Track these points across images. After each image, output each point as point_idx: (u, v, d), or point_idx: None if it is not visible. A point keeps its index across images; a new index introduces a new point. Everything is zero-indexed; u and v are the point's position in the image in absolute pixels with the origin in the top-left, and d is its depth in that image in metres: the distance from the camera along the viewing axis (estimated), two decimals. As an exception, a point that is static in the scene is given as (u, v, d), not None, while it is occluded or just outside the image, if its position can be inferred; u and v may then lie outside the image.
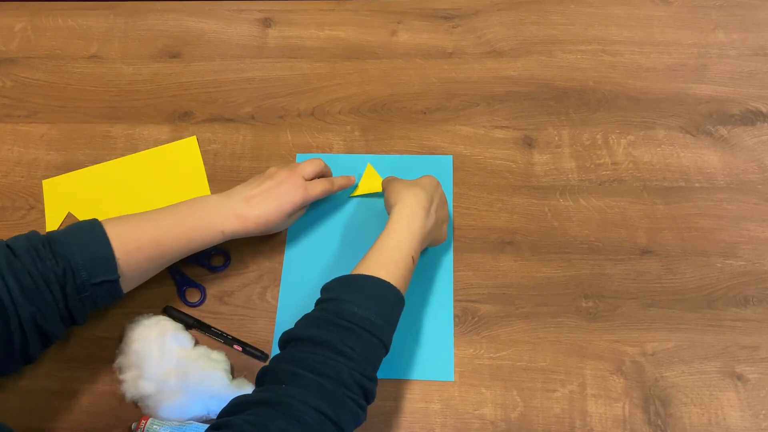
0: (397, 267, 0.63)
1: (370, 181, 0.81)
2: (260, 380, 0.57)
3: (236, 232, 0.70)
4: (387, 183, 0.75)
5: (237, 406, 0.54)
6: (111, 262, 0.62)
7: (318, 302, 0.62)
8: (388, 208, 0.70)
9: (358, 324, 0.58)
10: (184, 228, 0.68)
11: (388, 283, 0.61)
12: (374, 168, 0.82)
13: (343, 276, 0.62)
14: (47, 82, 0.92)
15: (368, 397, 0.57)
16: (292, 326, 0.60)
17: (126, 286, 0.65)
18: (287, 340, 0.59)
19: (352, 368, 0.56)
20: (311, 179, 0.75)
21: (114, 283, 0.62)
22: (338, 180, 0.78)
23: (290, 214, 0.73)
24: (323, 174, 0.78)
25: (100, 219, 0.64)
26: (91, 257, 0.61)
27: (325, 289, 0.62)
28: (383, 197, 0.76)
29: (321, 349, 0.56)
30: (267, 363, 0.58)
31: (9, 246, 0.60)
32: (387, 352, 0.61)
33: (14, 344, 0.58)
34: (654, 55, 0.91)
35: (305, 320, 0.60)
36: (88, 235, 0.62)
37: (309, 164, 0.76)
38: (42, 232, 0.62)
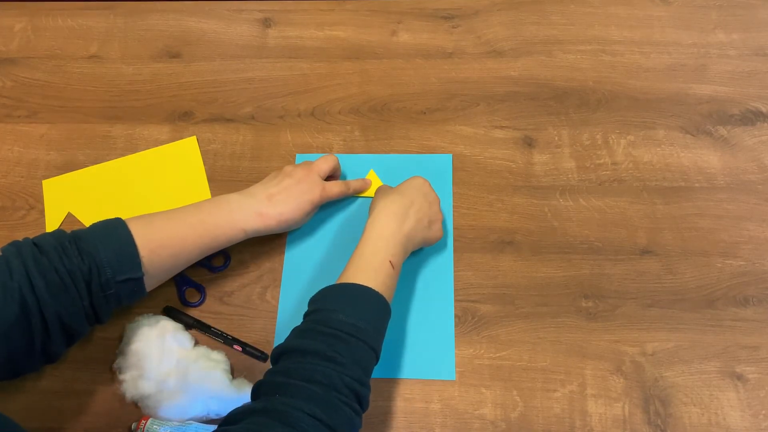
0: (375, 272, 0.64)
1: (371, 186, 0.81)
2: (255, 394, 0.58)
3: (258, 230, 0.71)
4: (375, 192, 0.75)
5: (234, 417, 0.54)
6: (135, 260, 0.62)
7: (305, 315, 0.63)
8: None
9: (344, 330, 0.59)
10: (207, 226, 0.68)
11: (370, 288, 0.62)
12: (375, 168, 0.82)
13: (327, 286, 0.64)
14: (47, 82, 0.92)
15: (362, 401, 0.58)
16: (286, 336, 0.61)
17: (149, 284, 0.66)
18: (278, 354, 0.60)
19: (342, 372, 0.56)
20: (326, 176, 0.77)
21: (138, 280, 0.63)
22: (354, 183, 0.79)
23: (308, 213, 0.74)
24: (336, 171, 0.79)
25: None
26: (116, 255, 0.61)
27: (311, 301, 0.64)
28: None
29: (311, 357, 0.57)
30: (262, 377, 0.59)
31: (36, 244, 0.60)
32: (377, 357, 0.62)
33: (35, 343, 0.59)
34: (654, 55, 0.91)
35: (294, 333, 0.61)
36: (113, 233, 0.63)
37: (324, 162, 0.77)
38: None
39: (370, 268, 0.65)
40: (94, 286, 0.61)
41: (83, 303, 0.60)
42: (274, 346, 0.72)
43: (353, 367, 0.57)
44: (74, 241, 0.61)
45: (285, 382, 0.56)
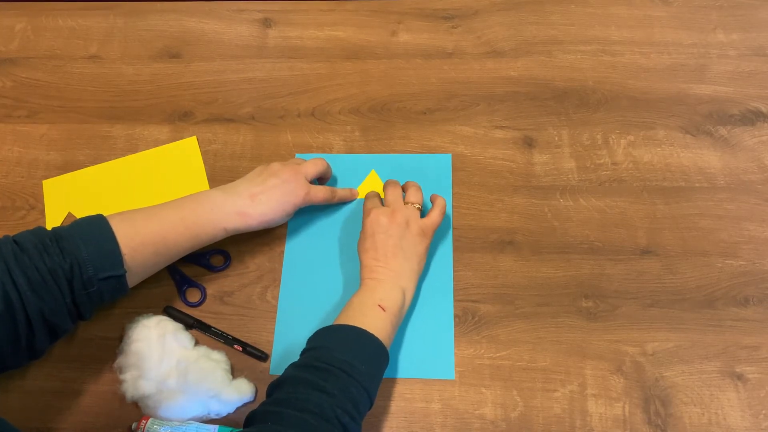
0: (365, 316, 0.65)
1: (371, 187, 0.81)
2: (248, 423, 0.58)
3: (238, 229, 0.71)
4: (365, 208, 0.75)
5: None
6: (117, 258, 0.62)
7: (302, 352, 0.63)
8: None
9: (337, 366, 0.59)
10: (188, 224, 0.68)
11: (366, 330, 0.63)
12: (375, 168, 0.82)
13: (324, 327, 0.64)
14: (47, 82, 0.92)
15: None
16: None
17: (132, 281, 0.66)
18: (272, 387, 0.60)
19: (333, 404, 0.56)
20: (314, 179, 0.77)
21: (120, 278, 0.63)
22: (340, 191, 0.79)
23: (290, 213, 0.74)
24: (325, 174, 0.79)
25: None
26: (98, 252, 0.61)
27: (309, 339, 0.64)
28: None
29: (302, 387, 0.58)
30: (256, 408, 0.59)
31: (16, 241, 0.60)
32: (371, 400, 0.61)
33: (21, 338, 0.59)
34: (654, 55, 0.91)
35: (289, 368, 0.62)
36: (95, 231, 0.63)
37: (312, 164, 0.76)
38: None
39: (359, 313, 0.66)
40: (76, 283, 0.60)
41: (65, 300, 0.60)
42: (274, 345, 0.72)
43: (344, 400, 0.57)
44: (55, 240, 0.61)
45: (277, 411, 0.56)
